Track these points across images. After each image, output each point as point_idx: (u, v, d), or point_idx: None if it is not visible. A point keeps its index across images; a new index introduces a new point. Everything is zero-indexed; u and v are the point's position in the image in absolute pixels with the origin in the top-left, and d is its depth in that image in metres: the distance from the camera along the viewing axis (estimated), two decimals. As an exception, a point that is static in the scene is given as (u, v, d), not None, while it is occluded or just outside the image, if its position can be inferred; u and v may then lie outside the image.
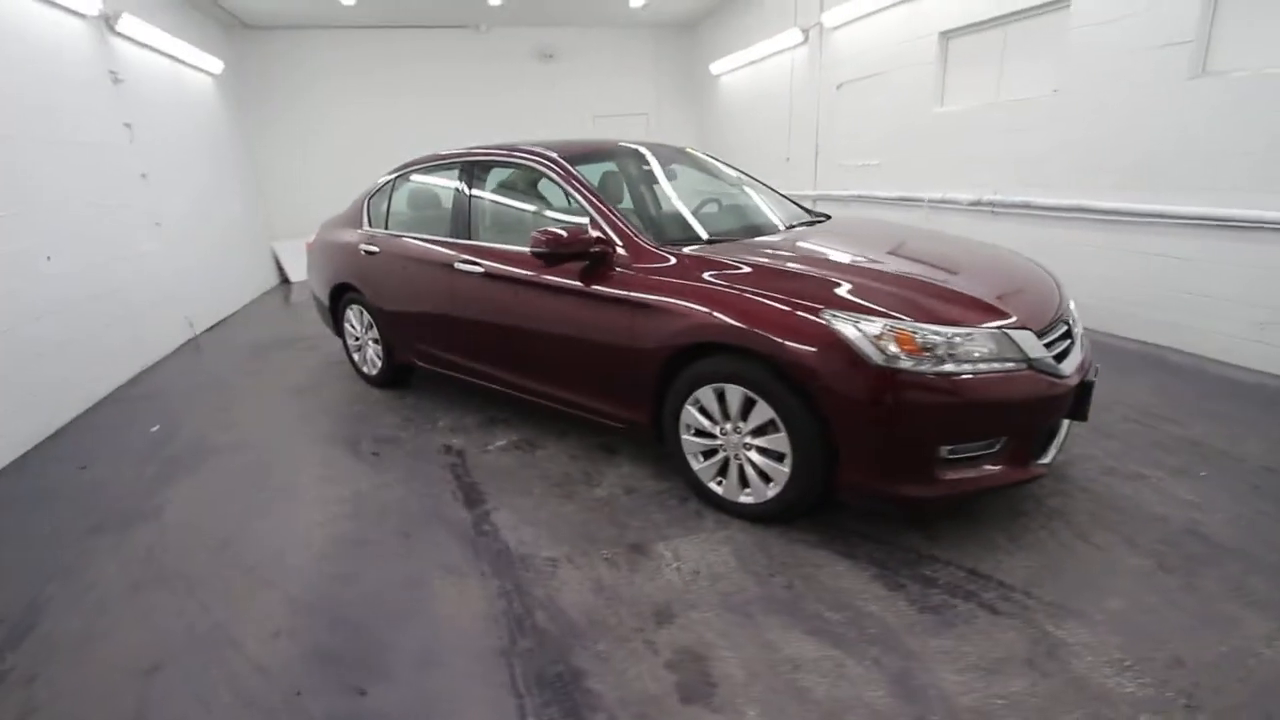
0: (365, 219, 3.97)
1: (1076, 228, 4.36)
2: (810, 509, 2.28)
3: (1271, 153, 3.32)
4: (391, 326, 3.80)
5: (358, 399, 3.98)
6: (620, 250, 2.58)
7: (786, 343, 2.08)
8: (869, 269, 2.36)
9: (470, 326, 3.27)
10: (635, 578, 2.13)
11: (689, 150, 3.67)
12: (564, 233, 2.57)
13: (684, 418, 2.45)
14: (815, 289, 2.15)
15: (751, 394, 2.22)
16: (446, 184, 3.53)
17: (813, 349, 2.04)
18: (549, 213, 3.10)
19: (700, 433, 2.44)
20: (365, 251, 3.82)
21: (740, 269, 2.32)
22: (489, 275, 3.06)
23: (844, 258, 2.51)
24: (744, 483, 2.37)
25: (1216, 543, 2.11)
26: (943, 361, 1.95)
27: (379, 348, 3.98)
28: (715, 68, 9.19)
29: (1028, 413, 2.05)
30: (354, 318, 4.10)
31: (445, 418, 3.59)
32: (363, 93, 8.94)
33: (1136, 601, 1.87)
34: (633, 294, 2.47)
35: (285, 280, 8.81)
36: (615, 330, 2.56)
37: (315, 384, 4.35)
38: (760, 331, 2.13)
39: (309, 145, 8.88)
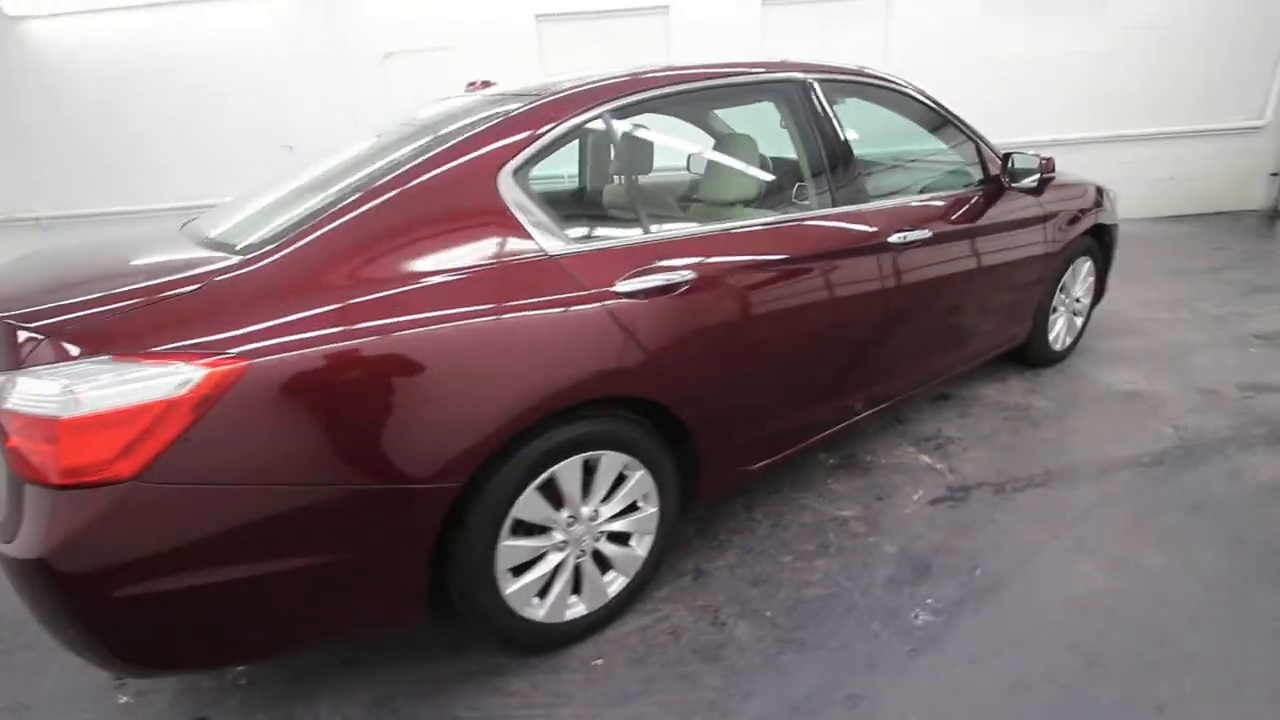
0: (550, 228, 1.49)
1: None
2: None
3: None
4: (736, 423, 1.85)
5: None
6: None
7: None
8: None
9: (885, 323, 2.17)
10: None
11: None
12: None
13: (1056, 302, 2.99)
14: None
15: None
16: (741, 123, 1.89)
17: None
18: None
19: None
20: (644, 292, 1.53)
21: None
22: (933, 241, 2.19)
23: None
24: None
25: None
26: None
27: (638, 521, 1.70)
28: (19, 5, 5.18)
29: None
30: (536, 497, 1.49)
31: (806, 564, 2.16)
32: None
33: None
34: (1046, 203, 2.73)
35: None
36: (1033, 246, 2.69)
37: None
38: None
39: None
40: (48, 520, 1.11)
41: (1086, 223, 2.92)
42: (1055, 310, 3.03)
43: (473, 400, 1.33)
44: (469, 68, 5.56)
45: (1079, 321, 3.23)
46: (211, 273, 1.25)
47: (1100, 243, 3.13)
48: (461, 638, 1.72)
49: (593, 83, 1.67)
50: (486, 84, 2.13)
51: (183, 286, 1.22)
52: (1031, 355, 3.06)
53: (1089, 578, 1.84)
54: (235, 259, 1.27)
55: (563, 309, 1.44)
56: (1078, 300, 3.15)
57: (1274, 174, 5.87)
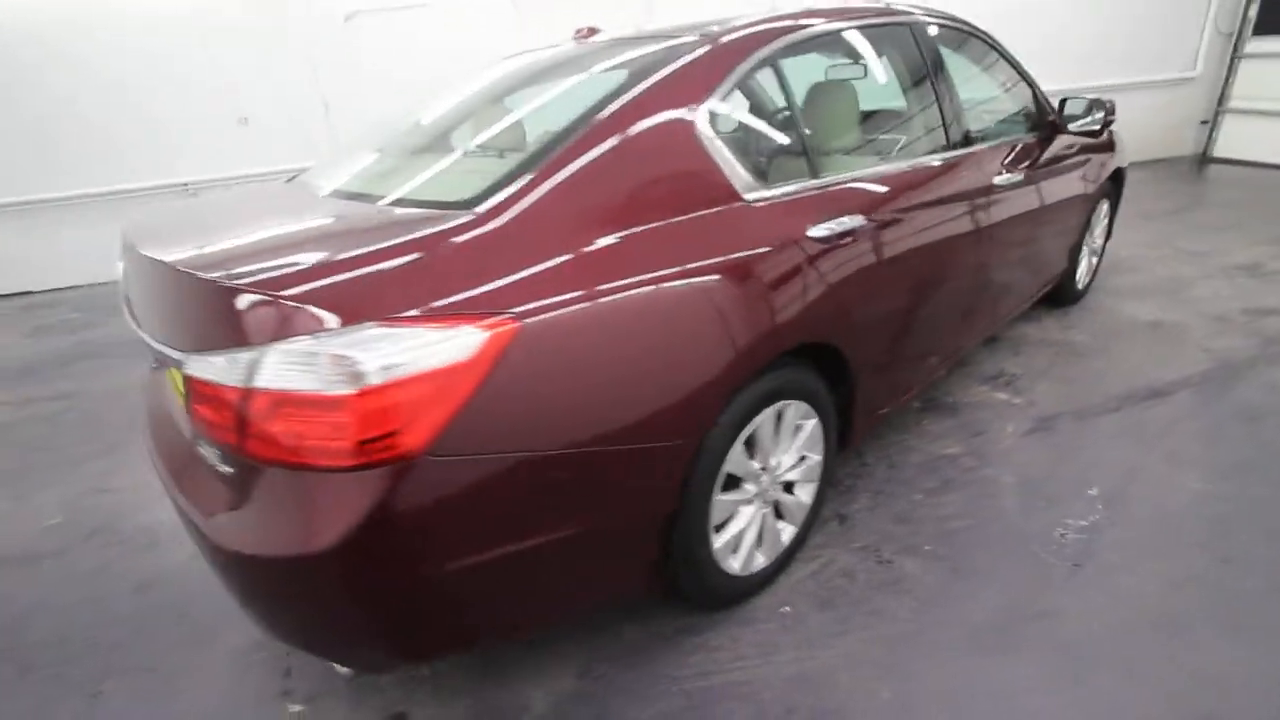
0: (743, 175, 1.46)
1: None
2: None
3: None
4: (886, 366, 1.90)
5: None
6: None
7: None
8: None
9: (990, 263, 2.27)
10: None
11: None
12: None
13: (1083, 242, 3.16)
14: None
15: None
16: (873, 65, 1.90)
17: None
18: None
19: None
20: (832, 237, 1.54)
21: None
22: (1022, 183, 2.28)
23: None
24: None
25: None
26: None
27: (806, 469, 1.72)
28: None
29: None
30: (741, 450, 1.49)
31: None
32: None
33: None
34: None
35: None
36: (1083, 186, 2.85)
37: None
38: None
39: None
40: (326, 509, 1.00)
41: (1113, 165, 3.11)
42: (1081, 250, 3.23)
43: (713, 350, 1.30)
44: (441, 28, 5.31)
45: (1095, 261, 3.46)
46: (442, 233, 1.14)
47: (1114, 185, 3.35)
48: (637, 607, 1.70)
49: (758, 21, 1.62)
50: (593, 30, 2.03)
51: (414, 249, 1.11)
52: (1061, 294, 3.26)
53: (1191, 486, 2.02)
54: (463, 216, 1.17)
55: (774, 257, 1.42)
56: (1097, 240, 3.37)
57: (1204, 122, 6.41)
